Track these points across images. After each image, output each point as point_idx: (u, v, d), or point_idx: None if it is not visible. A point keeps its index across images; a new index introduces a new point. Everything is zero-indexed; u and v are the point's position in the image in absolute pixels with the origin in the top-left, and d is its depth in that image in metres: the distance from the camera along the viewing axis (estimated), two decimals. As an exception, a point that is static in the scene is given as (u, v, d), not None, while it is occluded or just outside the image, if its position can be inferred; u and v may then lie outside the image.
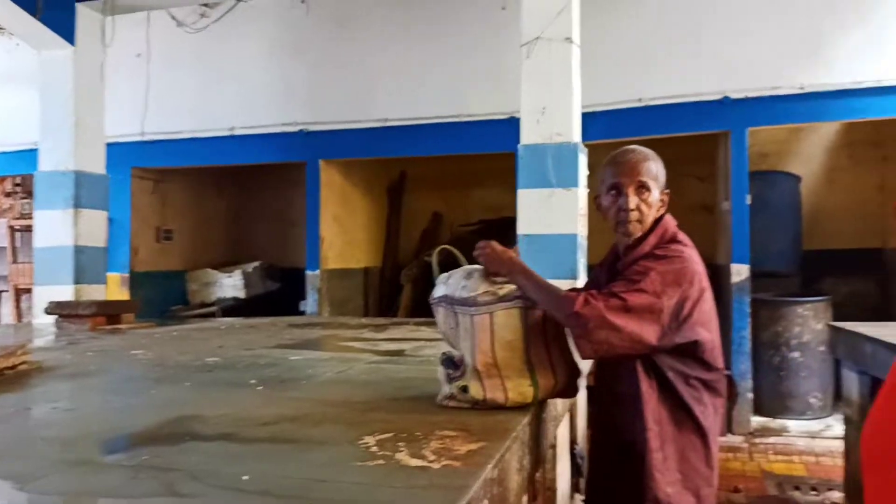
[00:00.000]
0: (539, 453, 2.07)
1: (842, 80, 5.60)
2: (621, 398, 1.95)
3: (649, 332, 1.80)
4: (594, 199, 2.12)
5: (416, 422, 1.77)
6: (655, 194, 1.98)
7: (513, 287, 1.89)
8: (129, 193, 7.55)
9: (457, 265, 2.10)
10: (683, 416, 1.93)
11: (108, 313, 4.70)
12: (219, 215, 8.97)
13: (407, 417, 1.84)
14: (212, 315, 7.45)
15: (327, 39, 7.06)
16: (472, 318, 1.88)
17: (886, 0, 5.57)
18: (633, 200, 1.95)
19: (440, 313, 2.00)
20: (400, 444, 1.56)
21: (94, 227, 5.78)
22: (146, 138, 7.44)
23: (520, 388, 1.92)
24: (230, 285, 8.05)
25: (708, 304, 1.94)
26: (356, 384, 2.44)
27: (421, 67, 6.74)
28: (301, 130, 7.08)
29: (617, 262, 2.08)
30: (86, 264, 5.63)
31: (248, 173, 8.84)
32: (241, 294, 8.02)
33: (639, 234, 1.98)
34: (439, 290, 2.00)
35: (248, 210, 9.21)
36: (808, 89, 5.69)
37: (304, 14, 7.07)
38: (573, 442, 3.22)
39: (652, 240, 1.97)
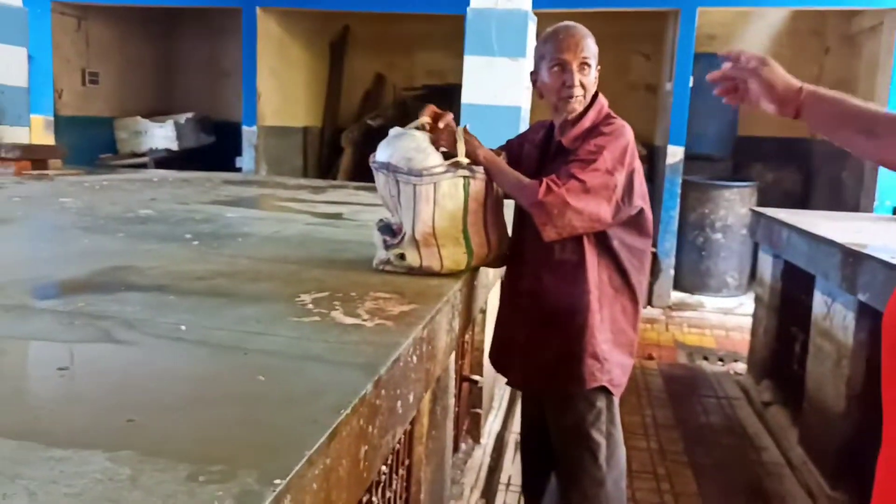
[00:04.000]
0: (469, 316, 2.17)
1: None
2: (560, 265, 2.03)
3: (606, 211, 1.91)
4: (530, 75, 2.12)
5: (352, 283, 1.82)
6: (594, 73, 2.02)
7: (459, 157, 1.92)
8: (49, 30, 7.02)
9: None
10: (621, 281, 2.06)
11: (34, 158, 4.50)
12: (148, 60, 8.45)
13: (343, 278, 1.88)
14: (143, 166, 7.21)
15: None
16: (415, 187, 1.89)
17: None
18: (577, 77, 1.97)
19: (380, 179, 2.00)
20: (335, 302, 1.61)
21: (13, 64, 5.38)
22: (66, -31, 6.85)
23: (455, 257, 1.98)
24: (162, 136, 7.73)
25: (643, 176, 2.05)
26: (292, 244, 2.46)
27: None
28: (238, -27, 6.63)
29: (550, 141, 2.12)
30: (5, 105, 5.29)
31: (179, 16, 8.30)
32: (174, 146, 7.74)
33: (578, 110, 2.01)
34: (382, 154, 1.98)
35: (179, 57, 8.70)
36: (761, -29, 5.62)
37: None
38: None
39: (591, 115, 2.02)
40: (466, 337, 2.94)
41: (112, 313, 1.47)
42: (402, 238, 1.96)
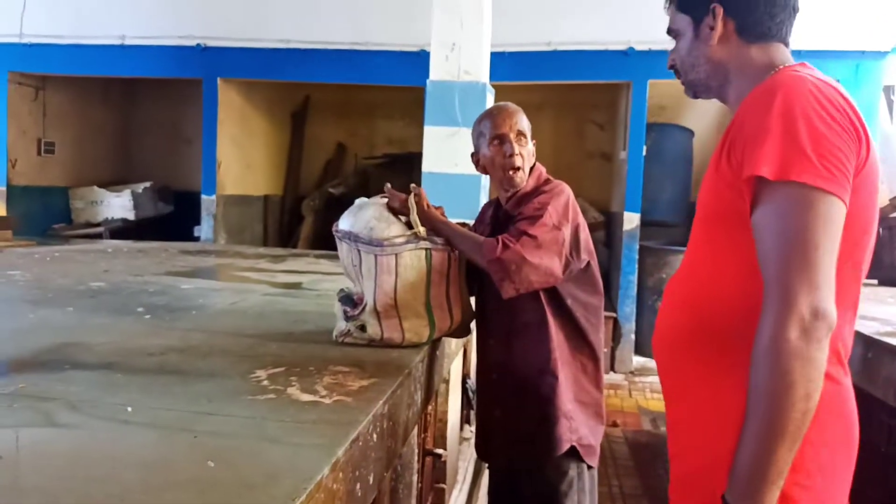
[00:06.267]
0: (431, 388, 2.12)
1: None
2: (525, 328, 2.04)
3: (557, 265, 1.93)
4: (472, 156, 2.18)
5: (310, 357, 1.77)
6: (531, 145, 2.10)
7: (421, 228, 1.91)
8: (5, 99, 6.96)
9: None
10: (579, 341, 2.07)
11: (-19, 229, 4.39)
12: (106, 130, 8.41)
13: (301, 352, 1.83)
14: (98, 236, 7.07)
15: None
16: (376, 258, 1.87)
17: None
18: (516, 147, 2.05)
19: (343, 248, 1.98)
20: (292, 378, 1.55)
21: (-35, 134, 5.31)
22: (25, 40, 6.84)
23: (416, 329, 1.95)
24: (119, 205, 7.63)
25: (587, 231, 2.10)
26: (249, 316, 2.40)
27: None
28: (198, 45, 6.70)
29: (499, 211, 2.16)
30: (-46, 175, 5.19)
31: (140, 87, 8.31)
32: (131, 216, 7.63)
33: (522, 182, 2.09)
34: (345, 223, 1.96)
35: (139, 127, 8.68)
36: (708, 46, 5.88)
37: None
38: (465, 376, 3.33)
39: (531, 182, 2.09)
40: (429, 408, 2.88)
41: (55, 394, 1.39)
42: (363, 309, 1.92)
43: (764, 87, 1.16)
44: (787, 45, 1.30)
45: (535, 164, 2.14)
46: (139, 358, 1.72)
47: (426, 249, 1.92)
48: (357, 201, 2.04)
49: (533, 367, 2.03)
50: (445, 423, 3.07)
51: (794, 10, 1.30)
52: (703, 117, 7.53)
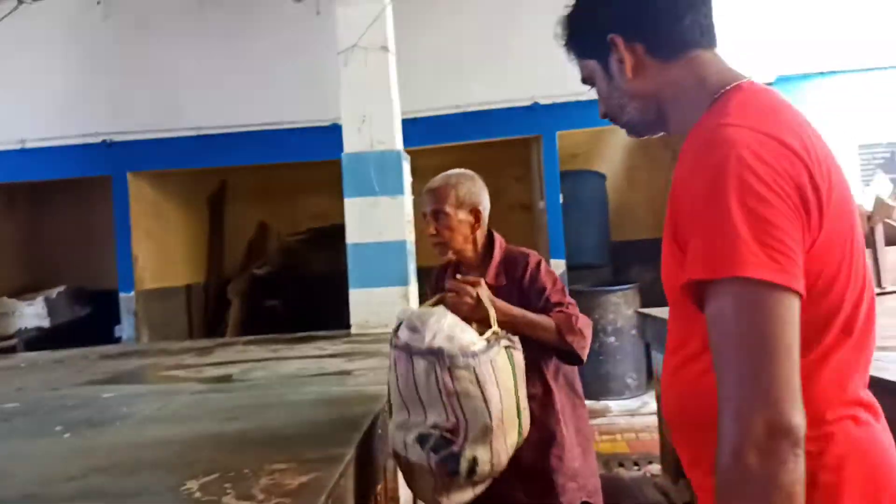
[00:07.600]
0: (377, 467, 2.06)
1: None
2: (529, 400, 1.96)
3: None
4: None
5: (244, 457, 1.69)
6: (459, 216, 2.15)
7: (493, 328, 1.81)
8: None
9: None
10: (573, 393, 2.17)
11: None
12: (12, 237, 8.05)
13: (234, 453, 1.75)
14: (12, 350, 6.69)
15: (127, 43, 6.57)
16: (474, 371, 1.67)
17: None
18: (432, 227, 2.17)
19: (419, 367, 1.69)
20: (227, 485, 1.48)
21: None
22: (-84, 152, 6.55)
23: (512, 438, 1.77)
24: (32, 314, 7.26)
25: None
26: (177, 420, 2.28)
27: (233, 73, 6.47)
28: (104, 141, 6.55)
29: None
30: None
31: (46, 189, 8.03)
32: (46, 323, 7.26)
33: (447, 254, 2.20)
34: (415, 339, 1.71)
35: (48, 229, 8.34)
36: (607, 95, 6.15)
37: (99, 17, 6.53)
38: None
39: (497, 253, 2.20)
40: (378, 489, 2.78)
41: (-36, 541, 1.28)
42: (466, 437, 1.67)
43: (700, 145, 1.02)
44: (711, 45, 1.14)
45: (491, 233, 2.23)
46: (60, 484, 1.61)
47: (506, 348, 1.79)
48: (407, 312, 1.81)
49: (533, 439, 1.92)
50: (398, 500, 2.97)
51: (704, 2, 1.13)
52: (611, 160, 7.83)
